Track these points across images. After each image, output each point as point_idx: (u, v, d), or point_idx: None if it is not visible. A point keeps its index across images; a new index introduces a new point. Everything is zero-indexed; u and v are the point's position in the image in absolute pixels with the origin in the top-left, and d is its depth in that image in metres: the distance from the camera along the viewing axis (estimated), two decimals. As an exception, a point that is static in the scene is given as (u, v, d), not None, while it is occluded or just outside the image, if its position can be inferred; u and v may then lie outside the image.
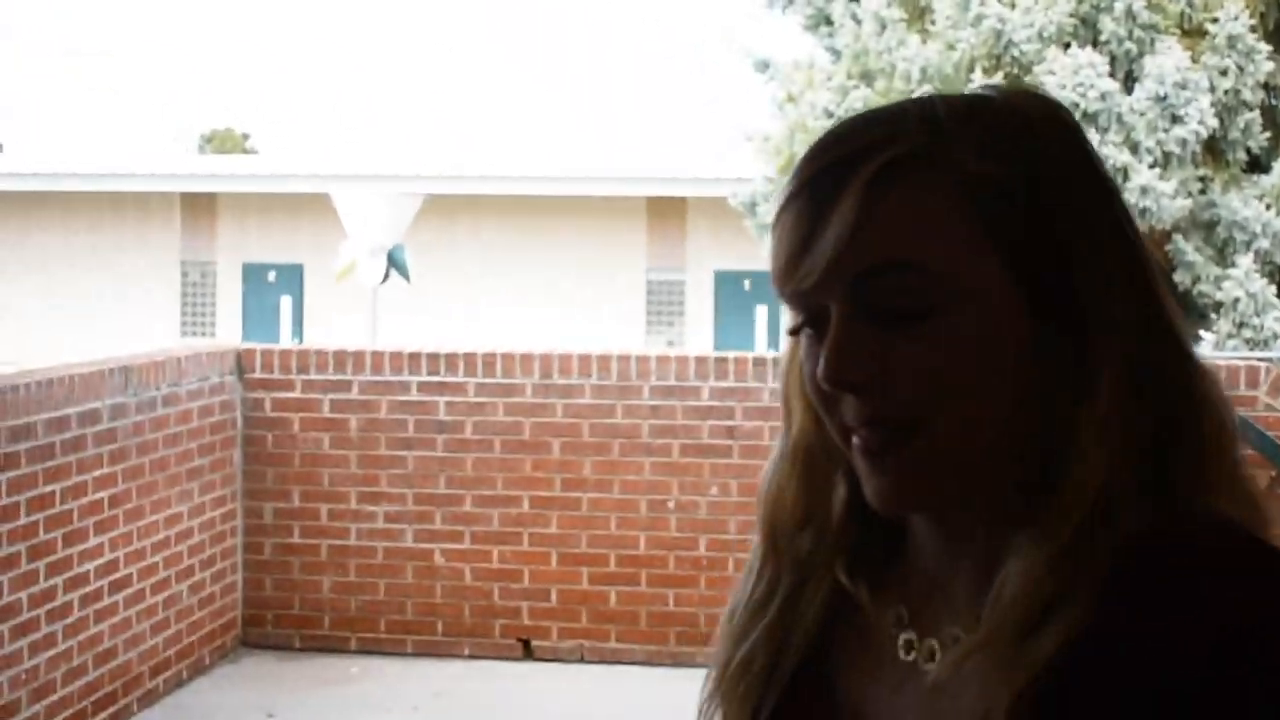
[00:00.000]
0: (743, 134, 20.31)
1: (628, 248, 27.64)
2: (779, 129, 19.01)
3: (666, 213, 27.62)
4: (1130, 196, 14.92)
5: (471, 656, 7.23)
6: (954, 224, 1.05)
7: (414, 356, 7.16)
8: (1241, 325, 15.15)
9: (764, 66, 20.23)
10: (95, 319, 29.19)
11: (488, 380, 7.12)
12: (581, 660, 7.17)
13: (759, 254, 20.62)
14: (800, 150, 17.75)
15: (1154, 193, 14.83)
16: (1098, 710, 1.01)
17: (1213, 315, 17.34)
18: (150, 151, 34.43)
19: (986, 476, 1.08)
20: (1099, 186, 1.12)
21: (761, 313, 27.90)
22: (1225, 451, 1.09)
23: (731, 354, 7.17)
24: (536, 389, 7.10)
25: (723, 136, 22.18)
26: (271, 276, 29.56)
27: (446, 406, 7.14)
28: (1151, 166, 15.00)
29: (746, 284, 27.39)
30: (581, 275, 27.23)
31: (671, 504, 7.00)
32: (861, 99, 16.51)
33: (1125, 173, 14.96)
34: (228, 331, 29.58)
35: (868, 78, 16.81)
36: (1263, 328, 15.04)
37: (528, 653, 7.22)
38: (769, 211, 19.72)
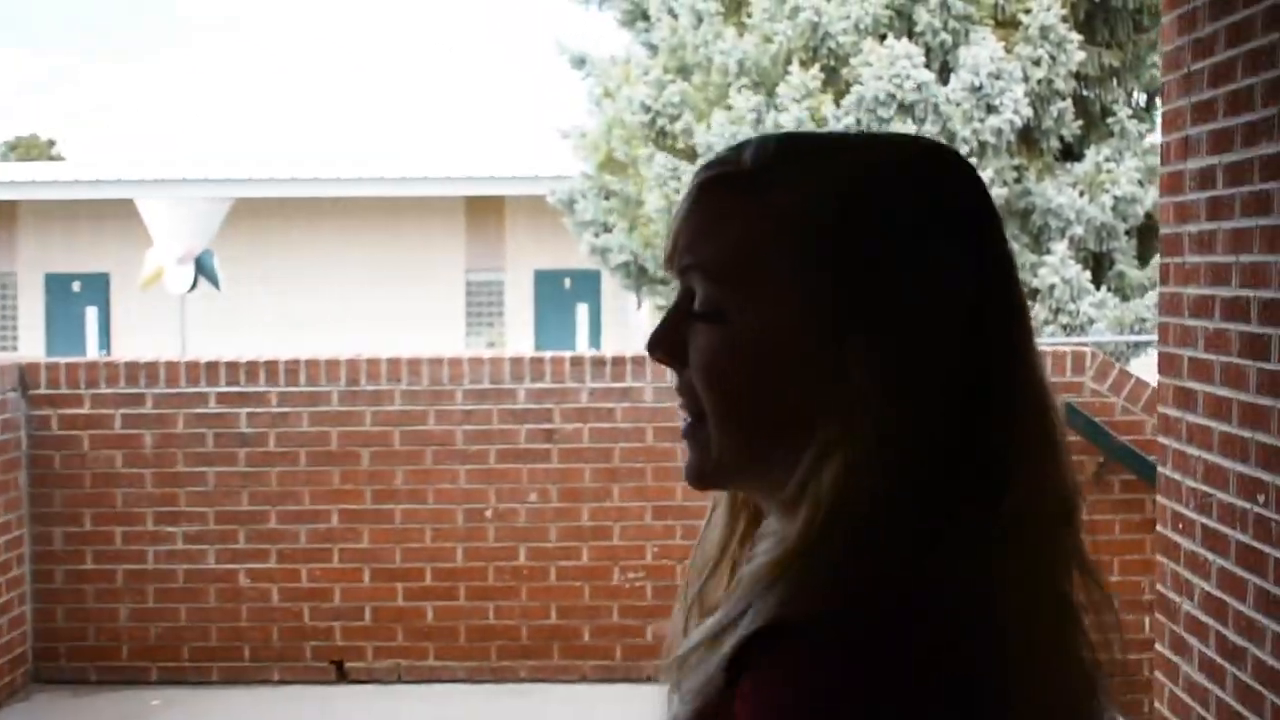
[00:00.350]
0: (559, 131, 20.05)
1: (446, 249, 27.22)
2: (596, 125, 18.78)
3: (485, 212, 27.27)
4: (947, 186, 14.91)
5: (281, 681, 6.83)
6: (756, 244, 1.13)
7: (211, 366, 6.75)
8: (1058, 311, 15.26)
9: (580, 62, 19.98)
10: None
11: (291, 389, 6.73)
12: (399, 680, 6.82)
13: (578, 252, 20.40)
14: (617, 146, 17.51)
15: (970, 182, 14.84)
16: None
17: (1030, 302, 17.47)
18: (-55, 159, 33.11)
19: (760, 475, 1.16)
20: (916, 237, 1.12)
21: (582, 311, 27.68)
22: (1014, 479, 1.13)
23: (548, 354, 6.85)
24: (343, 396, 6.73)
25: (540, 134, 21.88)
26: (76, 286, 28.58)
27: (248, 418, 6.74)
28: (968, 156, 14.98)
29: (567, 282, 27.18)
30: (400, 278, 26.76)
31: (489, 513, 6.68)
32: (679, 93, 16.34)
33: (941, 162, 14.96)
34: (30, 345, 28.57)
35: (685, 72, 16.63)
36: (1079, 313, 15.17)
37: (341, 675, 6.85)
38: (587, 209, 19.48)
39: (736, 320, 1.13)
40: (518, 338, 27.02)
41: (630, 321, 29.42)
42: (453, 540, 6.69)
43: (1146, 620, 6.65)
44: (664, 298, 20.16)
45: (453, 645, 6.74)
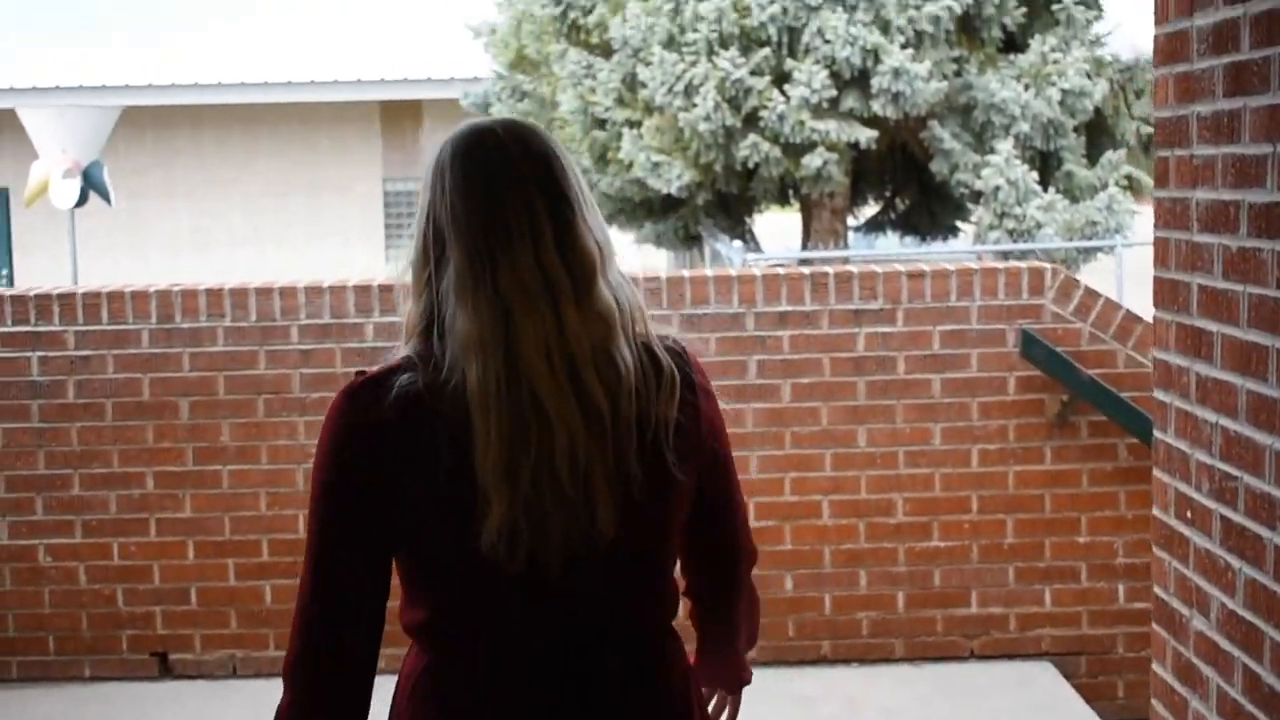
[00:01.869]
0: (470, 28, 18.73)
1: (361, 158, 25.87)
2: (506, 21, 17.49)
3: (401, 118, 25.87)
4: (882, 81, 13.76)
5: (94, 678, 5.72)
6: None
7: (-7, 301, 5.57)
8: (1003, 215, 14.15)
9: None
10: None
11: (91, 327, 5.57)
12: (234, 674, 5.72)
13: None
14: (528, 43, 16.21)
15: (907, 75, 13.65)
16: None
17: (971, 205, 16.43)
18: None
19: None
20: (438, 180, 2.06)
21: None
22: None
23: (398, 281, 5.70)
24: (155, 336, 5.57)
25: (454, 33, 20.54)
26: (-29, 202, 27.07)
27: (41, 364, 5.58)
28: (904, 47, 13.83)
29: (489, 191, 25.88)
30: (313, 190, 25.46)
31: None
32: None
33: (876, 54, 13.78)
34: (-75, 265, 27.11)
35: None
36: (1025, 217, 14.07)
37: (165, 669, 5.74)
38: (502, 113, 18.19)
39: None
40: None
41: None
42: (292, 507, 5.55)
43: (1121, 588, 5.63)
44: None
45: (297, 630, 5.64)
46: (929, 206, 18.20)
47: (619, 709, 2.10)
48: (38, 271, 26.02)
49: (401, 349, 2.05)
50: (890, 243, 24.68)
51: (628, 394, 2.00)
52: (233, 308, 5.55)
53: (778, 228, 25.16)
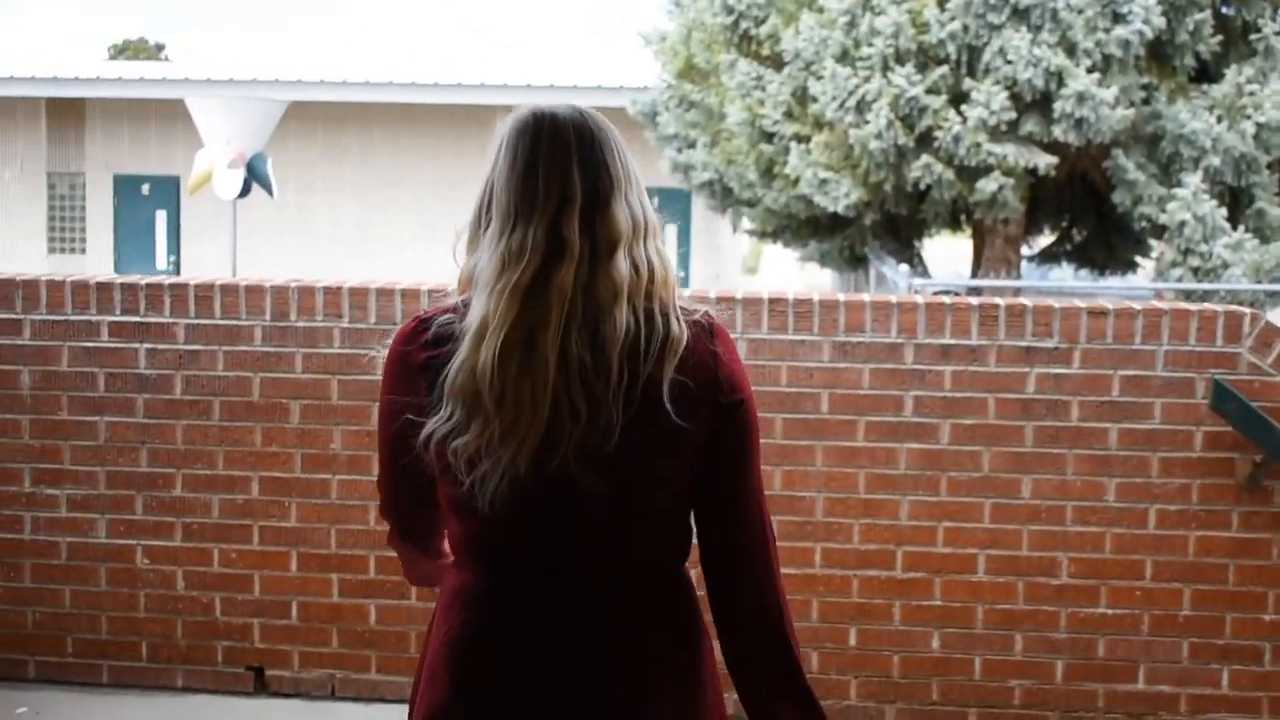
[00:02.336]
0: (640, 36, 18.37)
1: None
2: (676, 29, 17.10)
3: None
4: (1065, 105, 13.09)
5: (187, 689, 5.39)
6: None
7: (104, 288, 5.26)
8: (1187, 252, 13.38)
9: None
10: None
11: (203, 321, 5.24)
12: (332, 695, 5.35)
13: (659, 169, 18.81)
14: (697, 52, 15.81)
15: (1092, 101, 12.97)
16: None
17: (1153, 240, 15.64)
18: (15, 55, 32.01)
19: None
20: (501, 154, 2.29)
21: (671, 232, 26.07)
22: None
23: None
24: (269, 334, 5.22)
25: (622, 41, 20.23)
26: (145, 189, 27.39)
27: (148, 356, 5.26)
28: (1090, 71, 13.17)
29: (656, 200, 25.57)
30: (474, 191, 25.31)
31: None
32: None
33: (1060, 77, 13.13)
34: (98, 248, 27.51)
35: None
36: (1211, 255, 13.29)
37: (261, 685, 5.39)
38: (670, 122, 17.80)
39: None
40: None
41: (722, 245, 27.80)
42: (402, 523, 5.18)
43: (1311, 676, 5.03)
44: (752, 220, 18.52)
45: (400, 655, 5.26)
46: (1107, 239, 17.48)
47: (601, 652, 2.27)
48: (204, 260, 26.28)
49: (453, 296, 2.31)
50: (1064, 274, 23.90)
51: (618, 351, 2.19)
52: (351, 308, 5.18)
53: (948, 253, 24.48)
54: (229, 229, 18.34)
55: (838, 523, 5.15)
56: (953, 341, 5.07)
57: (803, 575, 5.16)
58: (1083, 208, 17.21)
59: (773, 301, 5.09)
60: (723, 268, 27.45)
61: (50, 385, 5.30)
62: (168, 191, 27.11)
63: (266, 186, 18.11)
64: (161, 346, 5.24)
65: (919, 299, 5.13)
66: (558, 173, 2.22)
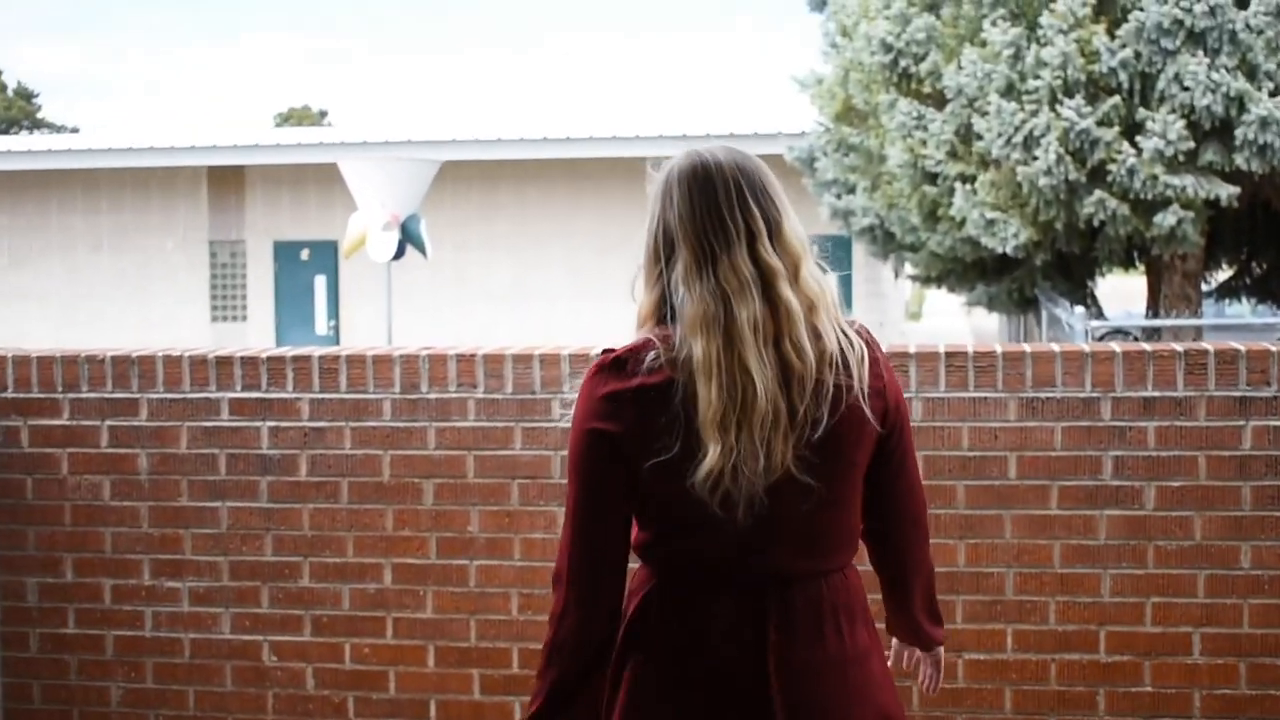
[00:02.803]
0: (795, 80, 17.89)
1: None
2: (833, 70, 16.59)
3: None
4: (1247, 131, 12.33)
5: (321, 796, 4.97)
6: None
7: (224, 363, 4.90)
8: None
9: (821, 3, 17.85)
10: (120, 303, 27.38)
11: (328, 395, 4.84)
12: (477, 803, 4.89)
13: (819, 216, 18.28)
14: (855, 93, 15.29)
15: (1276, 125, 12.20)
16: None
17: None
18: (179, 126, 32.54)
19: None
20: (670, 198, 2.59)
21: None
22: None
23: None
24: (398, 407, 4.81)
25: (778, 86, 19.81)
26: (304, 255, 27.53)
27: (271, 435, 4.88)
28: (1273, 95, 12.41)
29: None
30: (629, 245, 25.06)
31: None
32: (924, 28, 14.04)
33: (1241, 102, 12.37)
34: (259, 314, 27.68)
35: (932, 4, 14.34)
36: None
37: (400, 791, 4.95)
38: (828, 168, 17.28)
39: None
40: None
41: (886, 292, 27.13)
42: (546, 611, 4.72)
43: None
44: (915, 265, 17.89)
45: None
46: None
47: (797, 642, 2.56)
48: (361, 323, 26.30)
49: (640, 332, 2.56)
50: (1241, 310, 22.88)
51: (829, 361, 2.50)
52: (486, 377, 4.75)
53: (1120, 291, 23.58)
54: (387, 292, 18.16)
55: (1031, 601, 4.59)
56: (1156, 394, 4.49)
57: (993, 661, 4.60)
58: (1264, 239, 16.34)
59: (950, 355, 4.56)
60: (886, 315, 26.78)
61: (169, 468, 4.94)
62: (327, 256, 27.22)
63: (420, 248, 17.92)
64: (285, 424, 4.85)
65: (1115, 349, 4.56)
66: (741, 207, 2.52)
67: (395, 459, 4.82)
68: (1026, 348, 4.57)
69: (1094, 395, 4.51)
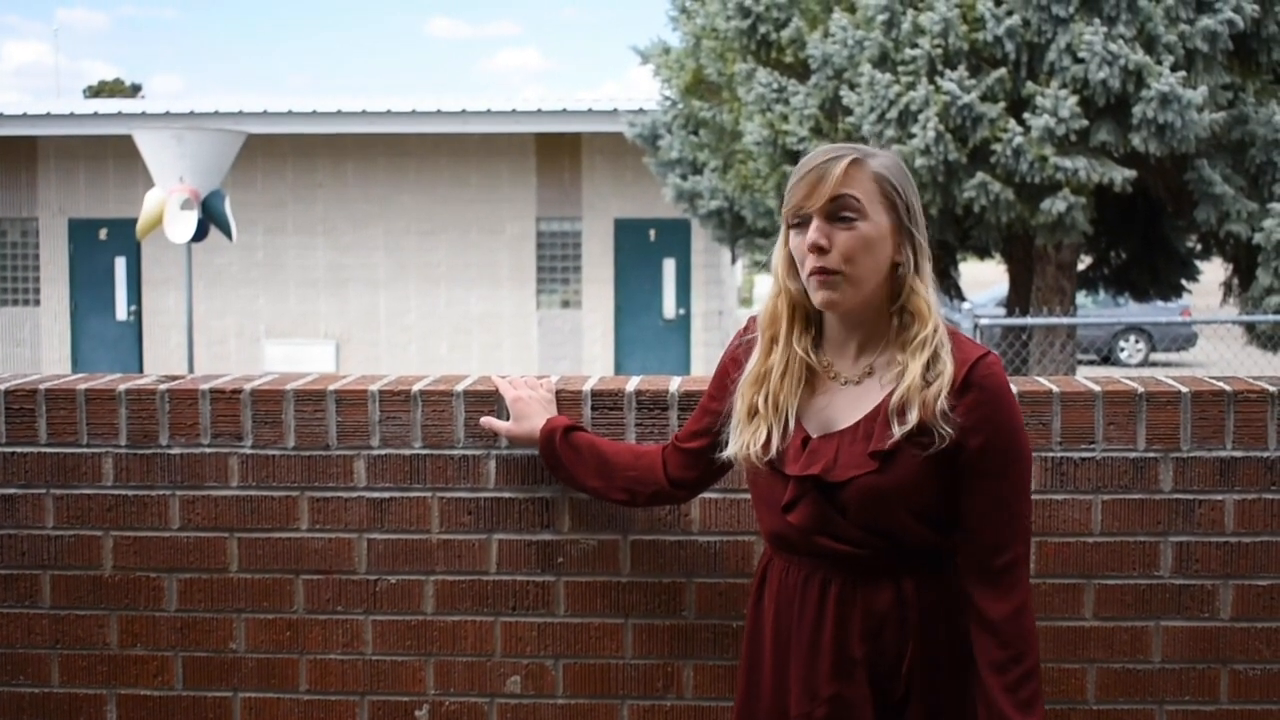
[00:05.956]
0: (638, 51, 16.43)
1: (514, 195, 23.78)
2: (681, 39, 15.15)
3: (558, 152, 23.77)
4: (1146, 109, 11.16)
5: None
6: (869, 187, 2.57)
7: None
8: (1290, 276, 11.49)
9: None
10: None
11: (21, 449, 3.24)
12: None
13: (664, 198, 16.89)
14: (708, 63, 13.84)
15: (1177, 103, 11.02)
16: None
17: (1243, 261, 13.67)
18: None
19: (869, 301, 2.60)
20: (915, 198, 2.64)
21: (669, 267, 24.18)
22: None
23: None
24: (126, 467, 3.23)
25: (620, 59, 18.37)
26: (103, 234, 25.43)
27: None
28: (1174, 69, 11.26)
29: (651, 234, 23.74)
30: (461, 228, 23.47)
31: None
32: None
33: (1139, 76, 11.19)
34: (52, 299, 25.58)
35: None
36: (1317, 280, 11.40)
37: None
38: (673, 146, 15.85)
39: (863, 224, 2.56)
40: (598, 296, 23.67)
41: (724, 279, 25.83)
42: (347, 770, 3.19)
43: None
44: (764, 251, 16.52)
45: None
46: (1152, 262, 15.66)
47: (856, 642, 2.64)
48: (166, 310, 24.36)
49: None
50: (1104, 301, 22.12)
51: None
52: (256, 424, 3.19)
53: (977, 279, 22.60)
54: (197, 275, 16.36)
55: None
56: (1239, 453, 3.11)
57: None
58: (1129, 227, 15.31)
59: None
60: (724, 302, 25.54)
61: None
62: (128, 236, 25.14)
63: (225, 229, 16.15)
64: None
65: (1180, 386, 3.16)
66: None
67: (120, 543, 3.24)
68: (1054, 386, 3.16)
69: (1149, 455, 3.11)
